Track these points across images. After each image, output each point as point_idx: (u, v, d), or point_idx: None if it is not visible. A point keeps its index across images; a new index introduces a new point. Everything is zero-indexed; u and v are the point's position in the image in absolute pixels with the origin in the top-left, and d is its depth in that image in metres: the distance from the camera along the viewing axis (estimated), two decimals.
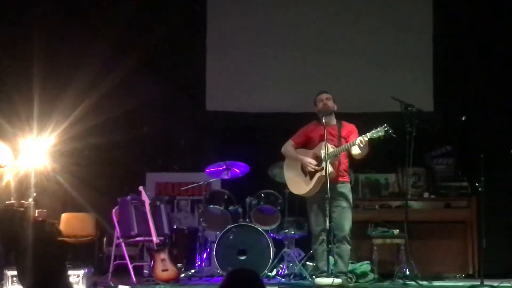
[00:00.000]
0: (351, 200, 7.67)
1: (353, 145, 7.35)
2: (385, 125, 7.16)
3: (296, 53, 10.20)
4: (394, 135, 7.15)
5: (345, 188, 7.64)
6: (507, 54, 9.59)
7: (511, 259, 8.57)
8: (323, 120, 7.39)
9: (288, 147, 7.83)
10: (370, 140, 7.25)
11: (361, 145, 7.28)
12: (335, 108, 7.76)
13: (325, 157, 7.23)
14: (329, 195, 7.09)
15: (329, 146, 7.38)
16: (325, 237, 7.41)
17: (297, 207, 8.54)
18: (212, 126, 10.22)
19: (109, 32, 9.68)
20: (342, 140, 7.57)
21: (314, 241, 7.67)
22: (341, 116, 7.85)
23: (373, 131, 7.20)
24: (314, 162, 7.52)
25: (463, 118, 8.15)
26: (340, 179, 7.61)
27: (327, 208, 7.14)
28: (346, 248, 7.53)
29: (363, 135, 7.25)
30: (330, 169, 7.26)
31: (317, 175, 7.46)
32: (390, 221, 8.84)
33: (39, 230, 7.46)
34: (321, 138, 7.46)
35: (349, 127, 7.72)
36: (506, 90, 9.50)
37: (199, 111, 10.20)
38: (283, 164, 8.12)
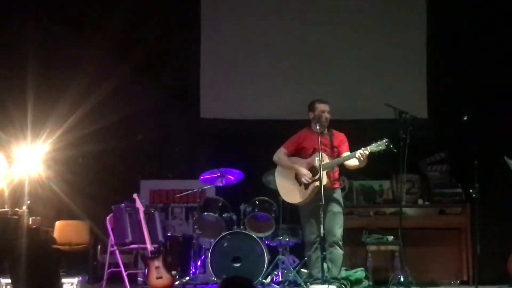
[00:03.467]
0: (342, 205, 7.67)
1: (352, 157, 7.33)
2: (386, 139, 7.13)
3: (290, 60, 10.22)
4: (395, 150, 7.15)
5: (337, 194, 7.65)
6: (501, 60, 9.60)
7: (505, 265, 8.55)
8: (317, 127, 7.37)
9: (281, 156, 7.79)
10: (370, 154, 7.24)
11: (361, 159, 7.27)
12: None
13: (319, 165, 7.21)
14: (323, 202, 7.06)
15: (326, 157, 7.38)
16: (318, 244, 7.39)
17: (291, 214, 8.54)
18: (206, 133, 10.21)
19: (103, 40, 9.66)
20: (335, 149, 7.57)
21: (308, 248, 7.66)
22: (335, 123, 7.86)
23: (374, 144, 7.17)
24: (309, 175, 7.49)
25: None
26: (334, 186, 7.62)
27: (321, 216, 7.12)
28: (339, 253, 7.51)
29: (363, 149, 7.21)
30: (325, 180, 7.24)
31: (312, 185, 7.44)
32: (384, 228, 8.86)
33: (33, 238, 7.43)
34: (315, 148, 7.43)
35: (340, 137, 7.72)
36: (500, 96, 9.52)
37: (194, 118, 10.19)
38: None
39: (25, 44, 9.41)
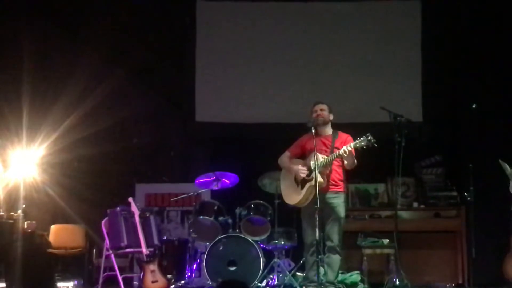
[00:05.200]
0: (343, 211, 7.64)
1: (338, 155, 7.36)
2: (368, 134, 7.16)
3: (285, 64, 10.23)
4: (376, 145, 7.15)
5: (338, 199, 7.61)
6: (495, 63, 9.62)
7: (500, 268, 8.56)
8: (313, 130, 7.38)
9: (283, 158, 7.86)
10: (355, 150, 7.26)
11: (345, 155, 7.29)
12: (331, 118, 7.76)
13: (315, 166, 7.23)
14: (318, 205, 7.07)
15: (319, 156, 7.39)
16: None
17: (287, 218, 8.54)
18: (201, 137, 10.22)
19: (98, 43, 9.68)
20: (335, 150, 7.56)
21: (306, 250, 7.67)
22: (332, 126, 7.86)
23: (357, 140, 7.22)
24: (304, 168, 7.52)
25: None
26: (333, 188, 7.59)
27: (317, 218, 7.13)
28: (336, 258, 7.53)
29: (347, 145, 7.27)
30: (319, 178, 7.27)
31: (308, 184, 7.47)
32: (379, 231, 8.87)
33: (28, 242, 7.44)
34: (313, 149, 7.47)
35: (343, 137, 7.71)
36: (495, 100, 9.53)
37: (189, 122, 10.21)
38: (272, 175, 8.12)
39: (20, 48, 9.39)
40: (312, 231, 7.42)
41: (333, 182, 7.61)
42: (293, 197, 7.71)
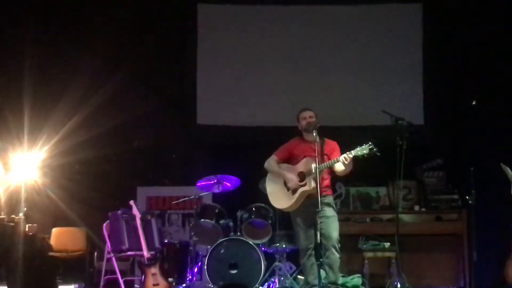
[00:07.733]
0: (335, 209, 7.66)
1: (337, 162, 7.33)
2: (369, 143, 7.13)
3: (286, 67, 10.24)
4: (378, 154, 7.13)
5: (328, 199, 7.63)
6: (496, 67, 9.63)
7: (501, 272, 8.55)
8: (314, 133, 7.36)
9: (271, 162, 7.82)
10: (355, 157, 7.22)
11: (346, 162, 7.26)
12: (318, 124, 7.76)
13: (316, 170, 7.20)
14: (319, 209, 7.05)
15: (313, 162, 7.37)
16: (313, 251, 7.38)
17: (288, 221, 8.53)
18: (203, 140, 10.22)
19: (99, 47, 9.69)
20: (325, 157, 7.56)
21: (302, 255, 7.64)
22: (332, 130, 7.86)
23: (358, 148, 7.16)
24: (295, 180, 7.51)
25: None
26: (324, 192, 7.59)
27: (319, 222, 7.11)
28: (335, 257, 7.45)
29: (347, 153, 7.21)
30: (313, 184, 7.26)
31: (300, 189, 7.46)
32: (381, 234, 8.87)
33: (30, 245, 7.45)
34: (305, 155, 7.47)
35: (331, 144, 7.70)
36: (496, 103, 9.53)
37: (190, 125, 10.21)
38: None
39: (22, 51, 9.41)
40: (307, 235, 7.43)
41: (324, 187, 7.60)
42: (283, 201, 7.67)
